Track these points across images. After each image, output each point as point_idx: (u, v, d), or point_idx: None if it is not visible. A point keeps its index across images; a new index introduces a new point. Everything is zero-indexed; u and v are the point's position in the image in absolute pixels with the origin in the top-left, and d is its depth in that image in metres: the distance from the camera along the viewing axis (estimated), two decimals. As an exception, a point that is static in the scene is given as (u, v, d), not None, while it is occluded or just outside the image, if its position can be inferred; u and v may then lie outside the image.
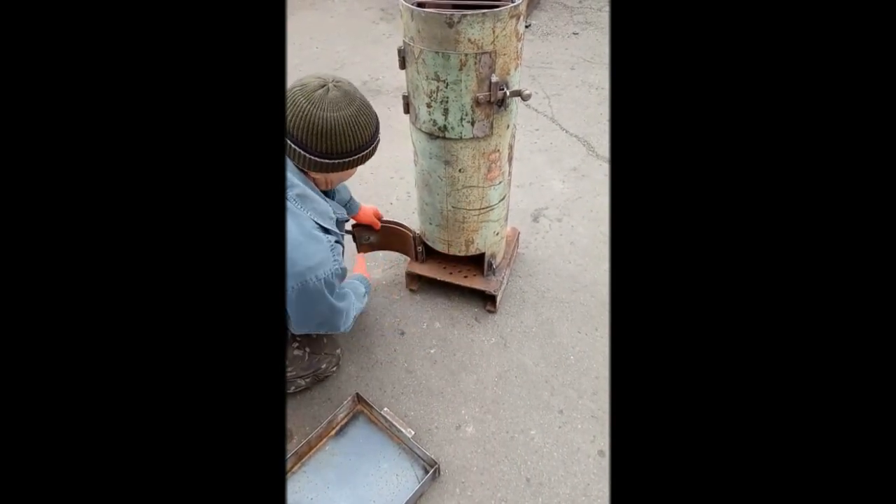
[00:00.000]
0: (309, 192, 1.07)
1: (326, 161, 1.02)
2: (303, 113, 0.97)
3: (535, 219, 2.04)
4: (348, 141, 1.01)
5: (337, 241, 1.14)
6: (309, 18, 4.02)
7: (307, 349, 1.36)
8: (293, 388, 1.39)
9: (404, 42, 1.19)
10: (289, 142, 1.01)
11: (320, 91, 0.98)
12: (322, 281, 1.05)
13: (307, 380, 1.39)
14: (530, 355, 1.54)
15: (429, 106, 1.21)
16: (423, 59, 1.14)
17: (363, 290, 1.45)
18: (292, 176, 1.04)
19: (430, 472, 1.22)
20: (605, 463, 1.28)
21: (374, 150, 1.10)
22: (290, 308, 1.08)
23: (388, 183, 2.21)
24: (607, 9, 3.99)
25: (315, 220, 1.07)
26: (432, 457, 1.24)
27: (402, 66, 1.24)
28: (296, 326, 1.17)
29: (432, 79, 1.16)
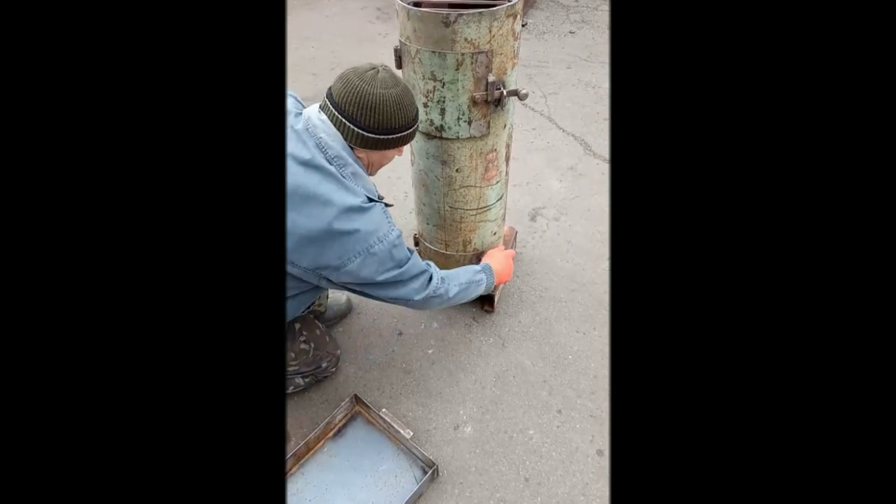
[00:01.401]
0: (360, 170, 1.12)
1: (373, 136, 1.07)
2: (356, 90, 1.03)
3: (533, 218, 2.04)
4: (396, 118, 1.06)
5: (386, 205, 1.18)
6: (305, 18, 4.01)
7: (312, 344, 1.36)
8: (291, 387, 1.39)
9: (401, 42, 1.19)
10: (341, 118, 1.06)
11: (371, 72, 1.05)
12: (385, 242, 1.09)
13: (306, 379, 1.39)
14: (528, 355, 1.53)
15: (426, 105, 1.21)
16: (420, 59, 1.14)
17: (478, 269, 1.38)
18: (347, 156, 1.09)
19: (429, 472, 1.22)
20: (604, 462, 1.28)
21: (414, 133, 1.13)
22: (363, 275, 1.10)
23: (386, 182, 2.21)
24: (604, 7, 3.99)
25: (366, 194, 1.12)
26: (431, 457, 1.24)
27: (399, 65, 1.24)
28: (381, 294, 1.18)
29: (429, 78, 1.15)
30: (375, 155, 1.14)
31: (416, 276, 1.17)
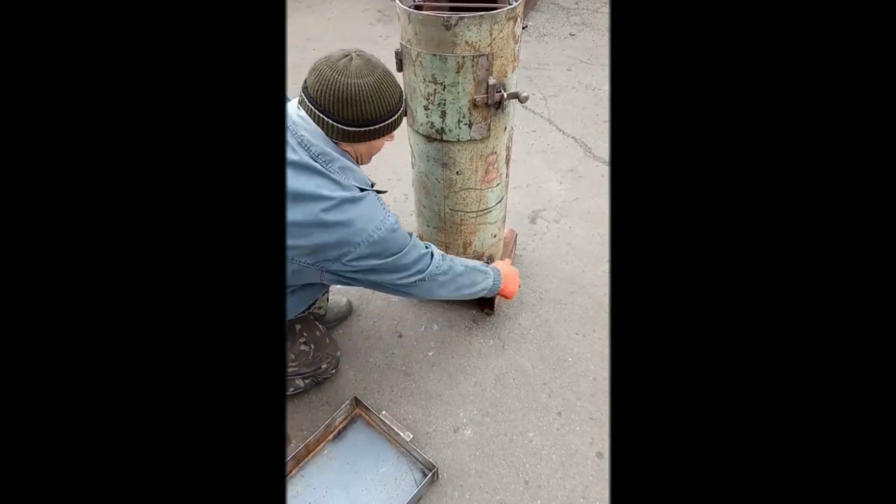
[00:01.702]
0: (348, 163, 1.08)
1: (355, 129, 1.02)
2: (330, 82, 0.98)
3: (533, 220, 2.04)
4: (374, 107, 1.01)
5: (378, 192, 1.15)
6: (305, 21, 4.01)
7: (312, 346, 1.36)
8: (292, 389, 1.39)
9: (401, 44, 1.19)
10: (319, 113, 1.01)
11: (344, 60, 0.99)
12: (382, 229, 1.06)
13: (306, 381, 1.39)
14: (528, 357, 1.53)
15: (426, 108, 1.21)
16: (421, 62, 1.14)
17: (489, 272, 1.36)
18: (332, 151, 1.04)
19: (429, 475, 1.21)
20: (604, 465, 1.28)
21: (400, 119, 1.09)
22: (367, 263, 1.08)
23: (386, 184, 2.21)
24: (604, 10, 3.99)
25: (357, 185, 1.08)
26: (431, 460, 1.23)
27: (400, 68, 1.24)
28: (385, 280, 1.15)
29: (430, 81, 1.16)
30: (362, 147, 1.09)
31: (417, 259, 1.15)
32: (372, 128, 1.04)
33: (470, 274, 1.28)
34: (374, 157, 1.15)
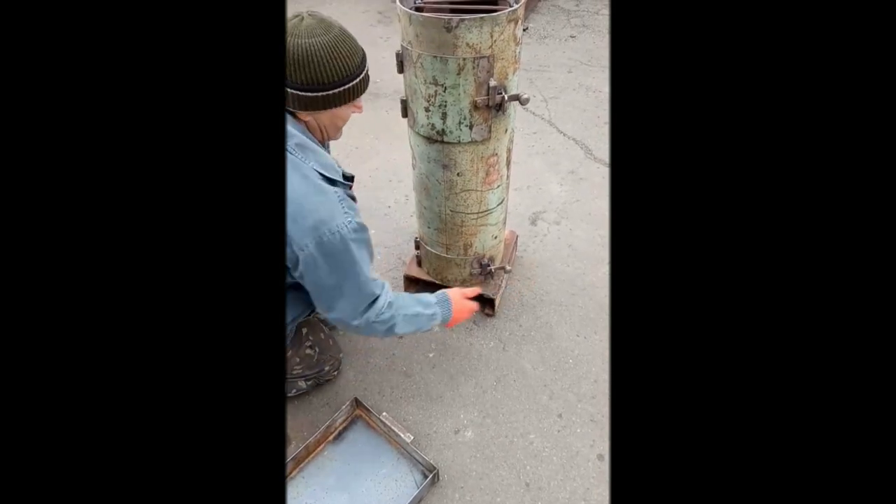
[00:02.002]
0: (307, 140, 0.99)
1: (310, 95, 0.94)
2: None
3: (534, 222, 2.04)
4: (330, 69, 0.93)
5: (347, 195, 1.04)
6: (306, 21, 4.01)
7: (317, 349, 1.36)
8: (294, 390, 1.39)
9: (402, 46, 1.19)
10: None
11: (295, 20, 0.92)
12: (337, 234, 0.95)
13: (308, 382, 1.39)
14: (529, 359, 1.53)
15: (427, 110, 1.21)
16: (422, 64, 1.14)
17: (431, 301, 1.20)
18: (289, 126, 0.96)
19: (429, 477, 1.21)
20: (605, 467, 1.28)
21: (363, 84, 1.00)
22: (307, 276, 0.97)
23: (387, 186, 2.21)
24: (604, 12, 4.00)
25: (319, 171, 0.98)
26: (431, 462, 1.23)
27: (401, 69, 1.24)
28: (318, 303, 1.03)
29: (430, 83, 1.16)
30: (324, 116, 1.00)
31: (360, 293, 1.03)
32: (329, 92, 0.94)
33: (412, 322, 1.16)
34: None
